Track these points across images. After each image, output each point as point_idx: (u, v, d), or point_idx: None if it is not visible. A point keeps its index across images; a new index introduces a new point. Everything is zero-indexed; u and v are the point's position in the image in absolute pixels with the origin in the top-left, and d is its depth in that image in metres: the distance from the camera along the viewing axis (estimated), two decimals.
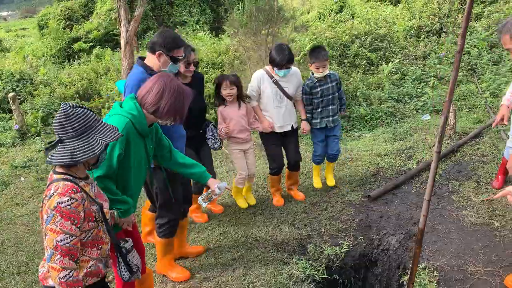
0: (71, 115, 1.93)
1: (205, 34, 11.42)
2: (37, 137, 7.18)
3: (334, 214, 4.26)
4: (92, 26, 11.53)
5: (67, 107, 1.95)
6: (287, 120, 4.23)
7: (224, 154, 6.06)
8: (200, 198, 3.12)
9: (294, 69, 4.24)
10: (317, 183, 4.74)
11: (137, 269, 2.41)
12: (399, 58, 8.66)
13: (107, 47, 10.82)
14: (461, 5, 9.88)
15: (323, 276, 3.61)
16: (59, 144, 1.95)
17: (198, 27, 12.23)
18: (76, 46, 10.97)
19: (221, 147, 4.19)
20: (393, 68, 8.32)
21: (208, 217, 4.38)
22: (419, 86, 7.76)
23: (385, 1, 13.79)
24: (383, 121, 6.80)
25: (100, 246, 2.16)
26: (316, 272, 3.59)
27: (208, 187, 3.10)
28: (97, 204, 2.10)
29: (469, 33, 9.00)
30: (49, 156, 1.94)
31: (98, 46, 10.87)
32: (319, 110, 4.33)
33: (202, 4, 13.35)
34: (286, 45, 4.05)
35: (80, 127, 1.95)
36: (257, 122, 4.28)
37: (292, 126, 4.29)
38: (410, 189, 4.55)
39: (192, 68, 3.70)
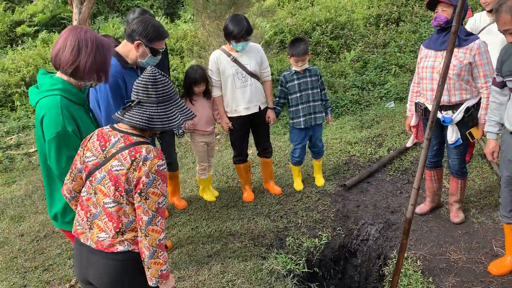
0: (158, 80, 1.93)
1: (160, 19, 10.92)
2: None
3: (310, 204, 4.11)
4: (37, 9, 10.68)
5: (156, 72, 1.94)
6: (253, 100, 3.90)
7: (188, 144, 5.77)
8: None
9: (254, 44, 3.95)
10: (297, 185, 4.37)
11: None
12: (360, 46, 8.66)
13: (54, 32, 10.06)
14: None
15: (304, 270, 3.46)
16: (137, 106, 1.93)
17: (152, 12, 11.67)
18: (19, 29, 10.12)
19: (184, 133, 4.03)
20: (355, 56, 8.31)
21: (169, 213, 4.14)
22: (381, 74, 7.79)
23: None
24: (349, 109, 6.75)
25: None
26: (296, 266, 3.44)
27: None
28: None
29: (426, 21, 9.17)
30: (125, 114, 1.92)
31: (45, 30, 10.08)
32: (300, 107, 4.02)
33: None
34: (242, 15, 3.77)
35: (163, 95, 1.94)
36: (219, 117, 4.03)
37: (260, 107, 3.98)
38: (384, 177, 4.49)
39: None
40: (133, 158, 1.87)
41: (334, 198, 4.20)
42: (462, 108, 3.31)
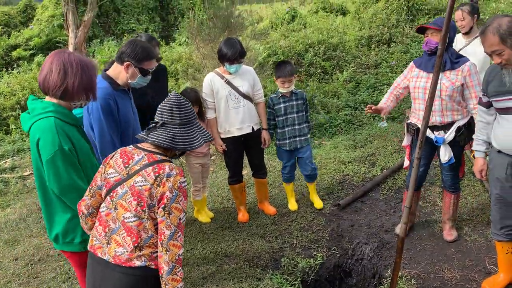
0: (182, 104, 2.07)
1: None
2: None
3: (304, 224, 4.13)
4: (33, 33, 10.83)
5: (180, 96, 2.08)
6: (246, 121, 3.97)
7: (183, 166, 5.79)
8: None
9: (247, 67, 4.05)
10: (292, 205, 4.39)
11: None
12: (352, 67, 8.81)
13: None
14: (408, 16, 10.25)
15: None
16: (161, 127, 2.05)
17: (139, 33, 11.85)
18: (15, 53, 10.24)
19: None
20: (348, 76, 8.44)
21: None
22: (373, 94, 7.90)
23: (332, 12, 14.11)
24: (342, 129, 6.83)
25: None
26: (292, 287, 3.44)
27: None
28: None
29: (417, 42, 9.36)
30: (150, 134, 2.05)
31: (40, 54, 10.21)
32: (286, 129, 4.10)
33: (150, 12, 12.99)
34: (236, 39, 3.89)
35: (186, 118, 2.07)
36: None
37: (253, 128, 4.04)
38: (377, 196, 4.53)
39: (155, 63, 3.51)
40: (157, 174, 1.97)
41: (328, 217, 4.22)
42: (454, 127, 3.38)
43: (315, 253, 3.80)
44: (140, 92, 3.39)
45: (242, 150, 4.17)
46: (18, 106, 7.75)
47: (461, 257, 3.49)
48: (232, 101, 3.90)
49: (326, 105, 7.35)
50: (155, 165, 1.99)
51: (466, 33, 4.19)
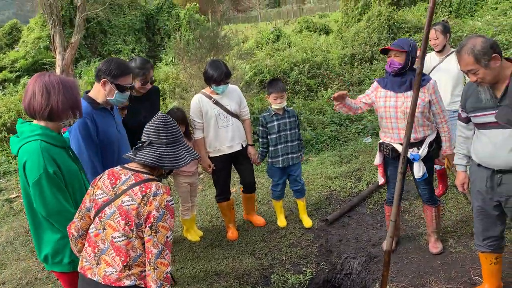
0: (168, 123, 2.11)
1: None
2: None
3: (293, 240, 4.17)
4: (19, 55, 10.83)
5: (167, 116, 2.13)
6: (236, 139, 4.07)
7: (171, 185, 5.81)
8: None
9: (232, 86, 4.14)
10: (281, 222, 4.43)
11: None
12: (336, 84, 8.99)
13: None
14: (389, 34, 10.53)
15: None
16: (148, 147, 2.10)
17: (134, 56, 11.92)
18: (0, 75, 10.22)
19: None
20: (332, 93, 8.60)
21: None
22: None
23: (316, 31, 14.41)
24: (328, 145, 6.94)
25: None
26: None
27: None
28: None
29: None
30: (137, 154, 2.09)
31: (26, 76, 10.20)
32: (279, 147, 4.16)
33: (137, 33, 13.10)
34: (220, 61, 4.00)
35: (172, 137, 2.12)
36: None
37: (242, 145, 4.13)
38: (364, 211, 4.61)
39: (148, 86, 3.60)
40: (144, 194, 2.00)
41: (317, 233, 4.27)
42: (426, 143, 3.51)
43: (304, 268, 3.84)
44: (133, 112, 3.45)
45: (230, 168, 4.23)
46: (4, 128, 7.71)
47: (447, 269, 3.57)
48: (221, 120, 3.98)
49: (312, 122, 7.48)
50: (142, 185, 2.03)
51: (440, 51, 4.37)
